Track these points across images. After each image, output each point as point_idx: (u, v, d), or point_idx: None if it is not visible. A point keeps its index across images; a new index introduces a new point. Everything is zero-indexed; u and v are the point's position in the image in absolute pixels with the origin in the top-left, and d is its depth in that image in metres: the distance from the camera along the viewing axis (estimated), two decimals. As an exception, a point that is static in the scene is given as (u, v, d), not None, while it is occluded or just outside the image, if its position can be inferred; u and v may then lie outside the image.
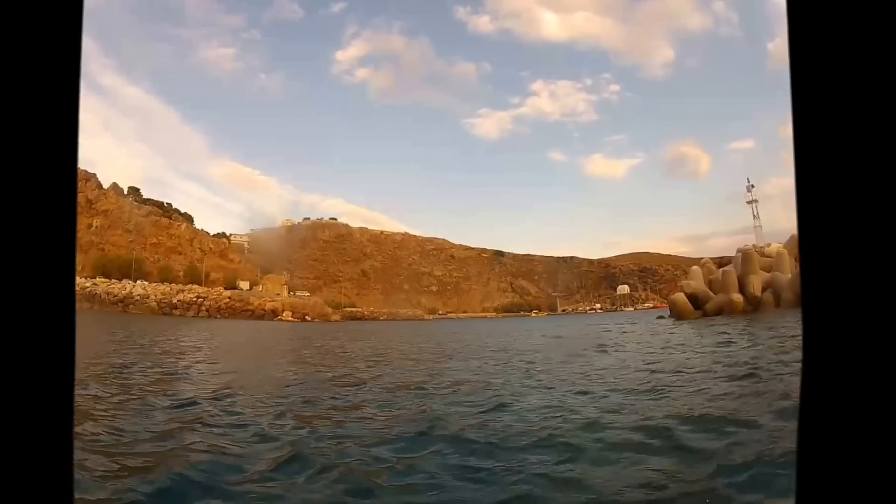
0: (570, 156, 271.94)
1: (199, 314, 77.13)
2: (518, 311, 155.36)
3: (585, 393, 6.79)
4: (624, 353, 13.08)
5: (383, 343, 22.14)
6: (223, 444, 4.27)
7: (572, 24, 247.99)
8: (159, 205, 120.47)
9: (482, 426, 4.99)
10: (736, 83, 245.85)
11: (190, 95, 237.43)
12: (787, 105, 0.66)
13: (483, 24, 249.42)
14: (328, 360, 13.41)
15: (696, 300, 34.68)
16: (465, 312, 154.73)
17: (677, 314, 34.82)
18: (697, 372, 8.21)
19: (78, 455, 3.52)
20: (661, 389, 6.71)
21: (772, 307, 31.09)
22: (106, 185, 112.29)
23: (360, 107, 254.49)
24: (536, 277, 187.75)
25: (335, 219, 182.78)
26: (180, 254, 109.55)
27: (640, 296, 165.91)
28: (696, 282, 35.66)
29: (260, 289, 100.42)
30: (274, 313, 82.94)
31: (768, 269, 33.55)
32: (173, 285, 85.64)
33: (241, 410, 5.85)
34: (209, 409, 5.88)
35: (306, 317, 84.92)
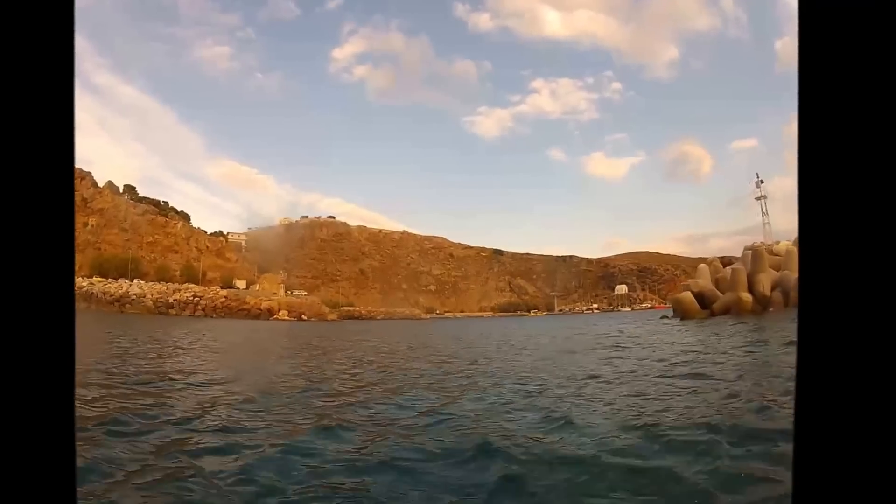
0: (571, 154, 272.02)
1: (196, 313, 76.08)
2: (515, 311, 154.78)
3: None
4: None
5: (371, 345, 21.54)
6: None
7: (574, 22, 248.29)
8: (155, 203, 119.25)
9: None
10: (742, 83, 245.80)
11: (186, 95, 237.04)
12: (791, 106, 0.66)
13: (483, 21, 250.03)
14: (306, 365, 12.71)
15: (702, 299, 34.07)
16: (462, 312, 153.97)
17: (683, 313, 34.19)
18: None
19: None
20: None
21: (781, 307, 30.50)
22: (101, 184, 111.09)
23: (359, 107, 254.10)
24: (535, 277, 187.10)
25: (333, 217, 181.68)
26: (177, 252, 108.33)
27: (637, 296, 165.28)
28: (704, 280, 35.03)
29: (257, 288, 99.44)
30: (270, 312, 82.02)
31: (776, 268, 32.99)
32: (170, 284, 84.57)
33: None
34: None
35: (303, 316, 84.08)
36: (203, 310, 77.99)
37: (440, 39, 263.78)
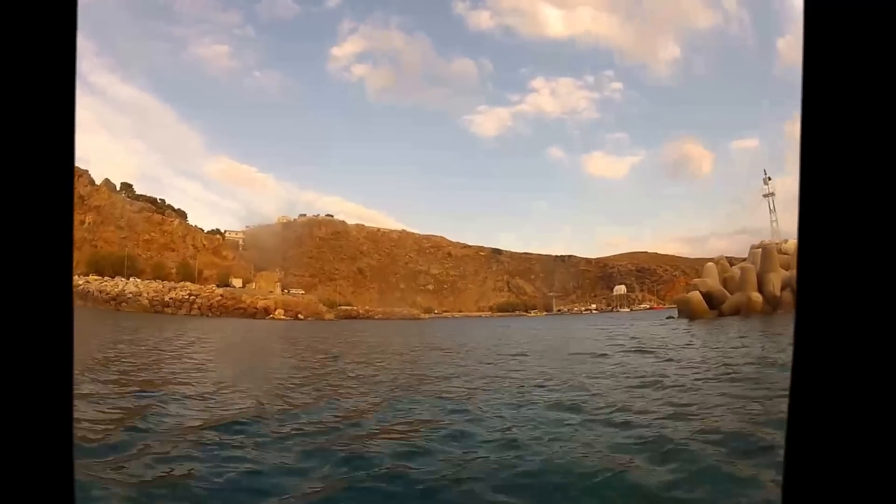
0: (570, 153, 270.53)
1: (191, 312, 75.20)
2: (513, 311, 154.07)
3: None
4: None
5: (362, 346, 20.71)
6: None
7: (576, 20, 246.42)
8: (152, 200, 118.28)
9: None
10: (743, 82, 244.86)
11: (186, 93, 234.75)
12: (794, 106, 0.65)
13: (483, 19, 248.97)
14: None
15: (710, 299, 33.39)
16: (460, 311, 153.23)
17: (690, 314, 33.46)
18: None
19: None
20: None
21: (791, 307, 29.84)
22: (98, 182, 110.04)
23: (359, 107, 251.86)
24: (533, 277, 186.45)
25: (331, 215, 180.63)
26: (173, 250, 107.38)
27: (636, 296, 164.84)
28: (712, 280, 34.36)
29: (253, 286, 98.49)
30: (266, 311, 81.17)
31: (785, 267, 32.34)
32: (165, 283, 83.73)
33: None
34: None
35: (299, 315, 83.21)
36: (199, 308, 77.09)
37: (440, 37, 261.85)
